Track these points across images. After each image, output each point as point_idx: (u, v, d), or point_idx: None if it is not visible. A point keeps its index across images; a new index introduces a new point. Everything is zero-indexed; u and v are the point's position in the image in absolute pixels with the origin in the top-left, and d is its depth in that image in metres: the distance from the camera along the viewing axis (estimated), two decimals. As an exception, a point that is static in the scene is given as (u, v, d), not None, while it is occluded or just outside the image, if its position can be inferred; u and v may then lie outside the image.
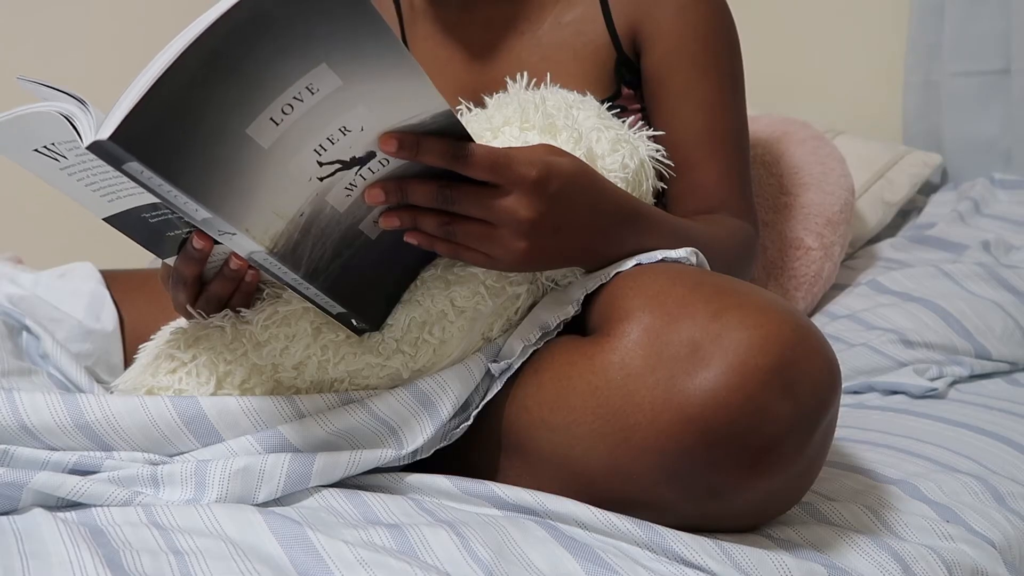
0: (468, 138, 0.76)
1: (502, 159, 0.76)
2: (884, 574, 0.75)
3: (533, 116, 0.92)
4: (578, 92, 1.00)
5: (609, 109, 1.00)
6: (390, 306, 0.85)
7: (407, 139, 0.74)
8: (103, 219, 0.80)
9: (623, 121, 0.99)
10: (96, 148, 0.62)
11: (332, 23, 0.66)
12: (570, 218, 0.80)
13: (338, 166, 0.74)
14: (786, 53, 1.93)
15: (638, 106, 1.12)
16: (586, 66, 1.10)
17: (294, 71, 0.67)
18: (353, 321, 0.83)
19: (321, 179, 0.74)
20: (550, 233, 0.79)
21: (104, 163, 0.65)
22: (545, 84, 1.00)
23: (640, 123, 1.09)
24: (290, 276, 0.77)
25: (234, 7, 0.62)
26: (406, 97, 0.73)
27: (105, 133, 0.61)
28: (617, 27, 1.10)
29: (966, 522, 0.83)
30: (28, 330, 1.11)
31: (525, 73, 1.00)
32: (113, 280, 1.19)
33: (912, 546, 0.78)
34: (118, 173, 0.65)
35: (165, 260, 0.86)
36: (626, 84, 1.11)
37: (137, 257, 1.67)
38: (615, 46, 1.10)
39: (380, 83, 0.71)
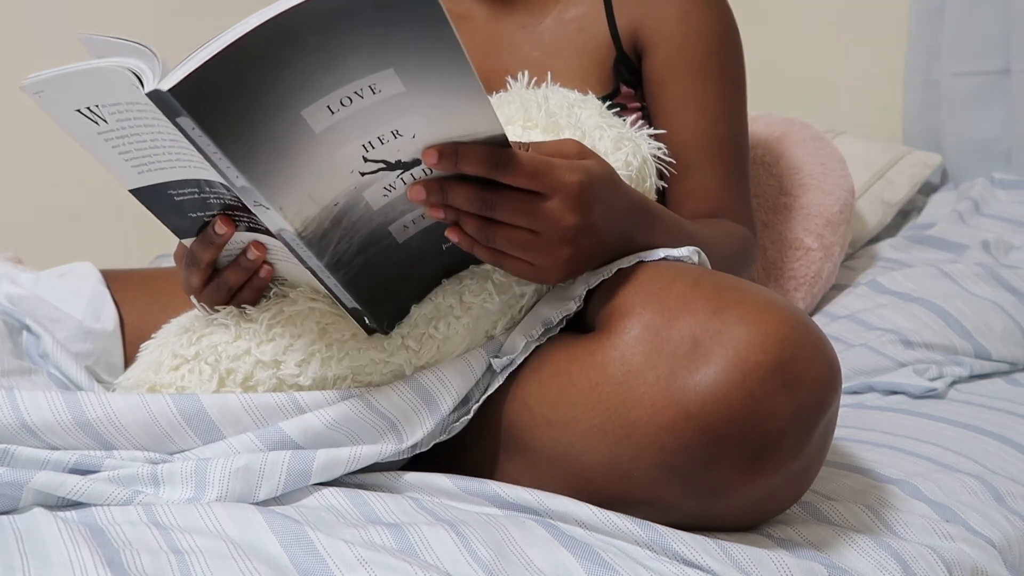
0: (508, 145, 0.75)
1: (543, 167, 0.75)
2: (884, 574, 0.75)
3: (536, 115, 0.92)
4: (578, 89, 1.00)
5: (608, 108, 1.00)
6: (402, 313, 0.85)
7: (447, 149, 0.74)
8: (129, 190, 0.80)
9: (624, 120, 0.99)
10: (155, 96, 0.64)
11: (412, 34, 0.66)
12: (606, 218, 0.80)
13: (382, 166, 0.74)
14: (786, 53, 1.93)
15: (637, 105, 1.12)
16: (586, 63, 1.11)
17: (362, 69, 0.67)
18: (365, 319, 0.83)
19: (363, 174, 0.74)
20: (591, 237, 0.79)
21: (141, 134, 0.66)
22: (546, 83, 1.00)
23: (640, 122, 1.09)
24: (313, 261, 0.77)
25: None
26: (465, 116, 0.73)
27: (167, 84, 0.63)
28: (619, 26, 1.10)
29: (966, 522, 0.83)
30: (28, 330, 1.11)
31: (526, 72, 1.00)
32: (113, 280, 1.19)
33: (912, 546, 0.78)
34: (153, 145, 0.66)
35: (183, 240, 0.87)
36: (624, 83, 1.11)
37: (137, 257, 1.68)
38: (615, 44, 1.10)
39: (443, 98, 0.70)
